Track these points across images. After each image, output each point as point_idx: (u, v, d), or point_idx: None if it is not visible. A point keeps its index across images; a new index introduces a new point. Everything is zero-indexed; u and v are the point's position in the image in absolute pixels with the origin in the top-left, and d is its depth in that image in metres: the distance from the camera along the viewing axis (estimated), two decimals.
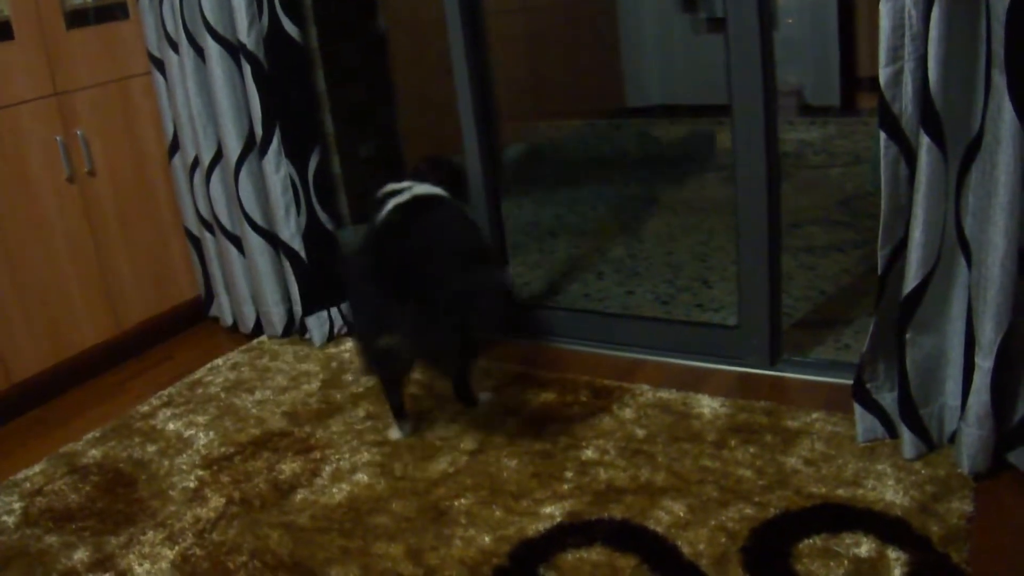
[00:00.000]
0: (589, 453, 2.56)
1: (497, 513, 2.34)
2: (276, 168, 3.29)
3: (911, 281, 2.22)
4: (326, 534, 2.34)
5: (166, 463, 2.78)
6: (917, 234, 2.17)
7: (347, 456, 2.69)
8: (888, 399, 2.43)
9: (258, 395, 3.14)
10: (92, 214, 3.36)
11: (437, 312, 2.41)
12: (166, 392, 3.24)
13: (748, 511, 2.22)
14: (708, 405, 2.74)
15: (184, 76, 3.34)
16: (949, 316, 2.31)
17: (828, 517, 2.17)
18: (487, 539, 2.24)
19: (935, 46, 2.01)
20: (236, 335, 3.71)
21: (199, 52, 3.28)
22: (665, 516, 2.24)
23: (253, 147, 3.32)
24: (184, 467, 2.74)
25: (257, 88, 3.20)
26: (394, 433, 2.80)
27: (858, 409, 2.45)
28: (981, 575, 1.96)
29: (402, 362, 2.68)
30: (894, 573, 1.96)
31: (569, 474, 2.47)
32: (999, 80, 1.96)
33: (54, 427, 3.11)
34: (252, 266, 3.48)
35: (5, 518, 2.58)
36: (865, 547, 2.05)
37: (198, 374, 3.36)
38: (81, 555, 2.37)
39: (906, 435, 2.35)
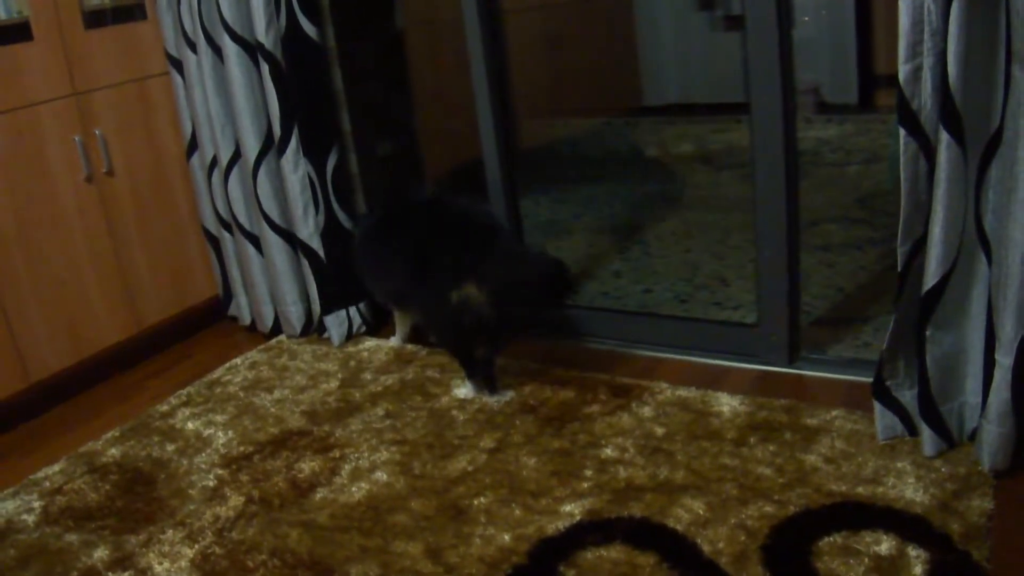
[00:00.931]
0: (608, 451, 2.56)
1: (516, 511, 2.34)
2: (294, 167, 3.29)
3: (931, 278, 2.21)
4: (345, 533, 2.34)
5: (185, 462, 2.78)
6: (937, 231, 2.16)
7: (366, 455, 2.69)
8: (908, 396, 2.42)
9: (277, 394, 3.15)
10: (111, 213, 3.37)
11: (522, 255, 2.87)
12: (185, 391, 3.25)
13: (768, 509, 2.22)
14: (727, 403, 2.73)
15: (202, 76, 3.35)
16: (969, 313, 2.30)
17: (848, 515, 2.16)
18: (506, 537, 2.24)
19: (955, 42, 2.00)
20: (254, 334, 3.72)
21: (217, 52, 3.29)
22: (685, 514, 2.24)
23: (271, 146, 3.33)
24: (203, 466, 2.75)
25: (275, 88, 3.20)
26: (464, 390, 2.96)
27: (878, 407, 2.44)
28: (1002, 573, 1.95)
29: (478, 313, 2.76)
30: (914, 571, 1.96)
31: (588, 472, 2.47)
32: (1019, 75, 1.95)
33: (73, 426, 3.13)
34: (270, 265, 3.49)
35: (25, 516, 2.59)
36: (885, 545, 2.04)
37: (217, 373, 3.37)
38: (101, 553, 2.38)
39: (926, 432, 2.34)
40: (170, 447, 2.89)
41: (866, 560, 2.00)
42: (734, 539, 2.13)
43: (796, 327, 2.94)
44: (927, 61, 2.09)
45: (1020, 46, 1.93)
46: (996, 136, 2.09)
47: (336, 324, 3.48)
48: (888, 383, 2.43)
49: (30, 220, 3.12)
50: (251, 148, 3.33)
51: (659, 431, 2.63)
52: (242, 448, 2.82)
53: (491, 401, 2.89)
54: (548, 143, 6.28)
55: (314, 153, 3.34)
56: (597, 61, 6.58)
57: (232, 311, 3.84)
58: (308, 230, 3.37)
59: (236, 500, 2.55)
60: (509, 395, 2.92)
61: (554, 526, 2.26)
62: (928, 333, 2.27)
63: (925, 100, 2.12)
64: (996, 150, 2.10)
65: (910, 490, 2.22)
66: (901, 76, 2.12)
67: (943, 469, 2.29)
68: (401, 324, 3.42)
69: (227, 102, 3.35)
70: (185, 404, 3.16)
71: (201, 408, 3.12)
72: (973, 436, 2.35)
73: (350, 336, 3.53)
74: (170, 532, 2.44)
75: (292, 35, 3.22)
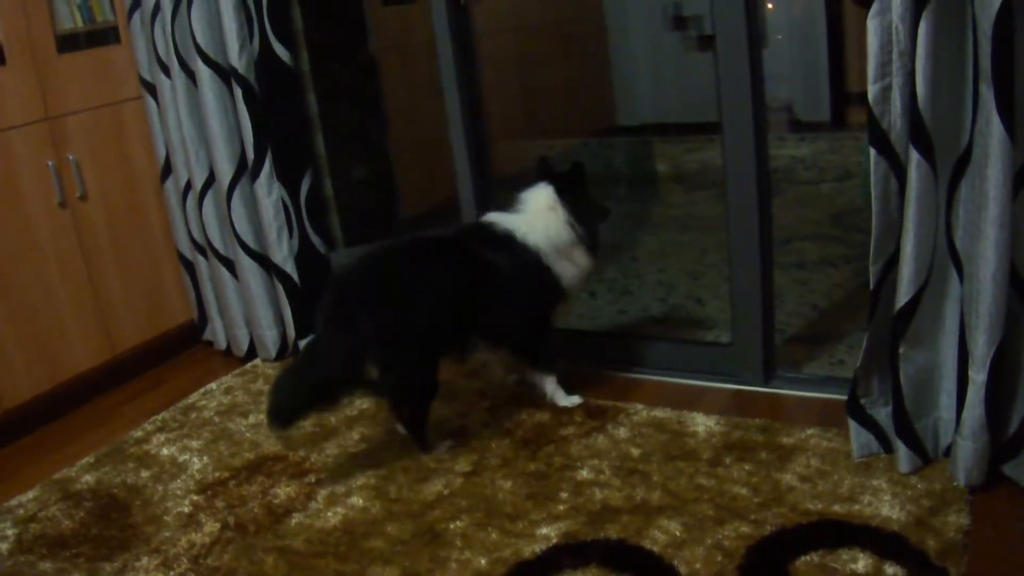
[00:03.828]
0: (584, 473, 2.55)
1: (492, 535, 2.33)
2: (268, 191, 3.29)
3: (903, 295, 2.22)
4: (321, 558, 2.33)
5: (160, 488, 2.76)
6: (909, 248, 2.17)
7: (342, 479, 2.68)
8: (883, 414, 2.43)
9: (252, 419, 3.13)
10: (84, 239, 3.35)
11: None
12: (160, 417, 3.23)
13: (744, 529, 2.22)
14: (703, 423, 2.73)
15: (176, 100, 3.34)
16: (942, 330, 2.31)
17: (825, 533, 2.17)
18: (483, 561, 2.23)
19: (923, 62, 2.02)
20: (230, 359, 3.70)
21: (190, 76, 3.28)
22: (661, 535, 2.23)
23: (245, 170, 3.32)
24: (178, 492, 2.73)
25: (248, 112, 3.20)
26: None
27: (853, 424, 2.45)
28: None
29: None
30: None
31: (564, 495, 2.46)
32: (987, 94, 1.97)
33: (47, 453, 3.10)
34: (245, 289, 3.48)
35: None
36: (862, 563, 2.04)
37: (192, 398, 3.35)
38: None
39: (901, 449, 2.35)
40: (145, 473, 2.86)
41: None
42: (711, 560, 2.12)
43: (771, 346, 2.95)
44: (896, 81, 2.11)
45: (987, 65, 1.95)
46: (965, 154, 2.11)
47: None
48: (863, 401, 2.44)
49: (2, 246, 3.09)
50: (225, 172, 3.32)
51: (635, 452, 2.63)
52: (217, 474, 2.80)
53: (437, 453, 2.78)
54: (522, 165, 6.28)
55: (288, 177, 3.34)
56: (571, 82, 6.60)
57: (207, 336, 3.82)
58: (282, 254, 3.37)
59: (211, 526, 2.53)
60: (447, 443, 2.80)
61: (530, 549, 2.25)
62: (901, 350, 2.28)
63: (895, 119, 2.14)
64: (966, 168, 2.12)
65: (886, 507, 2.22)
66: (871, 96, 2.14)
67: (919, 485, 2.30)
68: None
69: (200, 126, 3.34)
70: (160, 430, 3.14)
71: (176, 434, 3.09)
72: (948, 452, 2.36)
73: None
74: (145, 559, 2.42)
75: (265, 59, 3.22)
